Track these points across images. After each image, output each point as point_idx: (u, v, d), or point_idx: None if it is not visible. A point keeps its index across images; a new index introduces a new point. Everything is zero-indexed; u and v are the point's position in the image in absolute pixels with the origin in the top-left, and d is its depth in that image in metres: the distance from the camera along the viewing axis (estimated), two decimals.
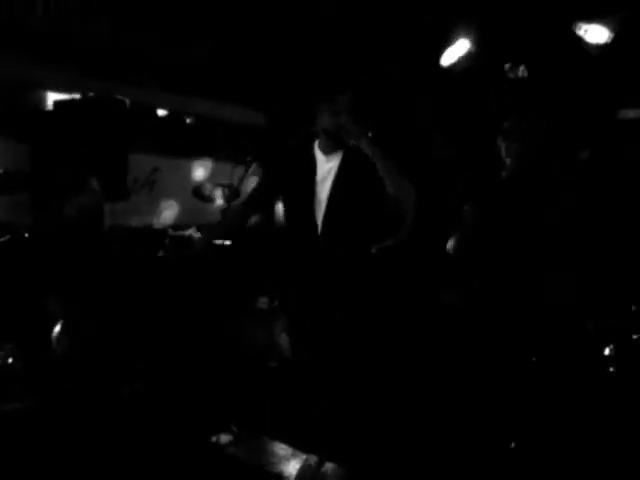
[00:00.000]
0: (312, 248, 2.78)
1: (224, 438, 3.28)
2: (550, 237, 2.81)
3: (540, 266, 2.83)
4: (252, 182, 3.10)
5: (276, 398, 3.55)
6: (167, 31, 4.86)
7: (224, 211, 4.03)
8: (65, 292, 3.03)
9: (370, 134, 2.65)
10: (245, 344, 4.52)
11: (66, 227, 3.21)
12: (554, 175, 3.14)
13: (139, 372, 3.27)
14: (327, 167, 2.75)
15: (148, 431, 3.21)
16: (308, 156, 2.80)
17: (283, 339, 4.19)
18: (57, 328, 2.94)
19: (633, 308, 2.89)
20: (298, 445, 3.13)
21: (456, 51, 4.96)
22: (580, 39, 4.58)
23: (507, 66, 4.98)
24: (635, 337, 2.79)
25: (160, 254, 4.03)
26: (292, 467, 3.01)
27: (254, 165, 3.11)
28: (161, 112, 5.10)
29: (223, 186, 4.48)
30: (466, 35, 4.86)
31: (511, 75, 5.00)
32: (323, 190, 2.75)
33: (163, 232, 4.57)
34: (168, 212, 5.07)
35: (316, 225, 2.75)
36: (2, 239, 3.09)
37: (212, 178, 5.30)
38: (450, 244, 3.10)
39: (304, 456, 2.96)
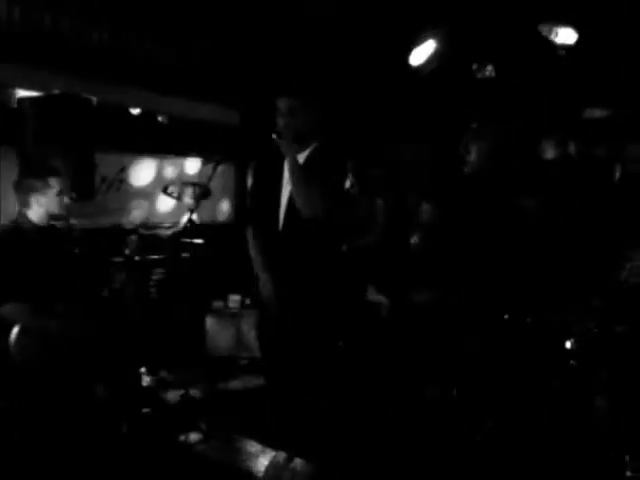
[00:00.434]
0: (274, 247, 2.81)
1: (193, 437, 3.27)
2: (509, 235, 2.86)
3: (498, 263, 2.88)
4: (220, 180, 3.10)
5: (245, 396, 3.56)
6: (141, 29, 4.82)
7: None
8: (22, 296, 2.97)
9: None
10: (215, 342, 4.52)
11: (24, 228, 3.16)
12: (518, 175, 3.19)
13: (104, 373, 3.23)
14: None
15: (116, 432, 3.19)
16: (278, 156, 2.80)
17: (253, 337, 4.20)
18: (14, 334, 2.88)
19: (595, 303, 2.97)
20: (267, 442, 3.14)
21: (424, 51, 5.00)
22: (547, 40, 4.65)
23: (475, 66, 5.04)
24: (595, 331, 2.86)
25: (127, 253, 3.99)
26: (261, 464, 3.02)
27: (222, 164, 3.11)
28: (134, 111, 5.05)
29: (193, 184, 4.47)
30: (434, 36, 4.91)
31: (479, 75, 5.06)
32: (286, 191, 2.78)
33: (134, 231, 4.55)
34: (138, 211, 5.03)
35: (277, 225, 2.78)
36: None
37: (182, 176, 5.28)
38: (413, 241, 3.14)
39: (273, 453, 2.98)
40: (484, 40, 4.98)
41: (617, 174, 2.68)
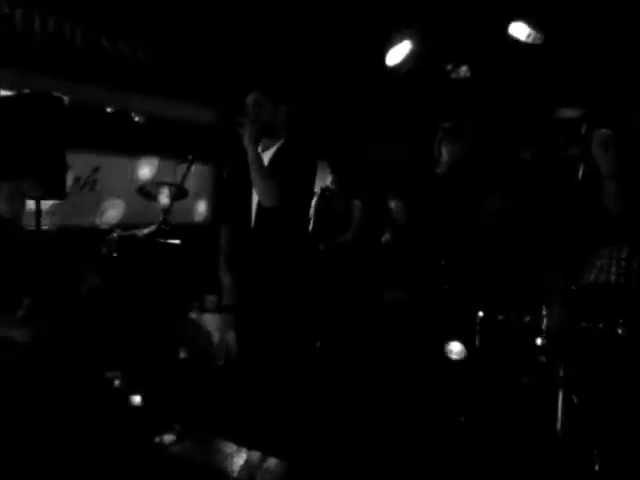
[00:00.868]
0: (245, 241, 2.82)
1: (167, 437, 3.26)
2: (479, 235, 2.89)
3: (467, 262, 2.92)
4: (196, 181, 3.10)
5: (219, 396, 3.55)
6: (114, 27, 4.78)
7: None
8: None
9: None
10: (192, 342, 4.50)
11: None
12: (489, 175, 3.22)
13: (78, 372, 3.21)
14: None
15: (89, 431, 3.17)
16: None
17: (230, 337, 4.19)
18: None
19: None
20: (241, 442, 3.14)
21: (400, 51, 5.03)
22: (516, 40, 4.70)
23: (449, 66, 5.08)
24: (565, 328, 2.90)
25: (103, 252, 3.96)
26: (235, 463, 3.02)
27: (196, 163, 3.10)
28: (109, 109, 5.01)
29: (168, 184, 4.44)
30: (408, 35, 4.94)
31: (453, 75, 5.10)
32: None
33: (109, 232, 4.50)
34: (113, 211, 4.99)
35: (250, 219, 2.78)
36: None
37: (157, 176, 5.25)
38: (384, 239, 3.16)
39: (247, 452, 2.98)
40: (458, 40, 5.02)
41: (580, 173, 2.72)
